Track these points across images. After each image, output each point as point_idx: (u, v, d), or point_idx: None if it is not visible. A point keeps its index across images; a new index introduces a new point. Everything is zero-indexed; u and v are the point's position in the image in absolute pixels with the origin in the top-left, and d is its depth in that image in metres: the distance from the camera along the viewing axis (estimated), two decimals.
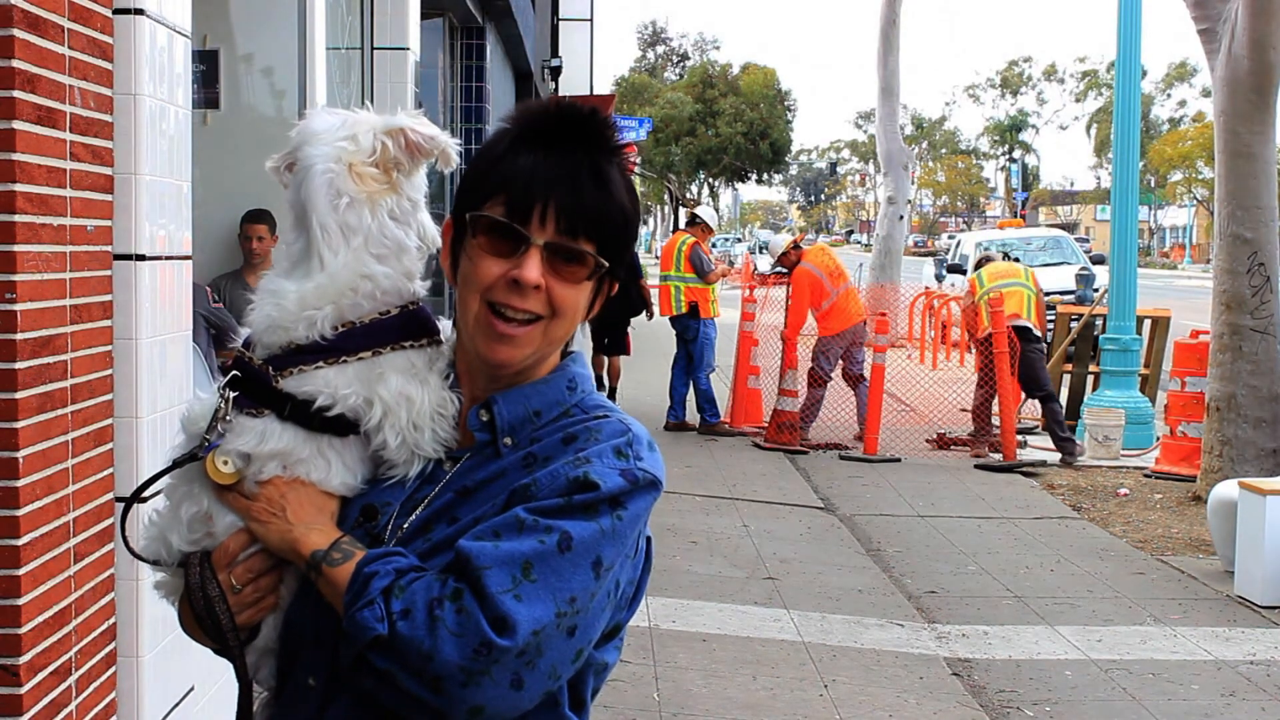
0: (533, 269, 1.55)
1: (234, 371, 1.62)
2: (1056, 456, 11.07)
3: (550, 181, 1.56)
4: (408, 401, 1.60)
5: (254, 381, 1.61)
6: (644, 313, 13.06)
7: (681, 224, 22.89)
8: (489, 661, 1.43)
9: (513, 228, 1.56)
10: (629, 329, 13.28)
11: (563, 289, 1.58)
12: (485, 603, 1.44)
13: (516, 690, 1.46)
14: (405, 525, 1.59)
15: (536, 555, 1.47)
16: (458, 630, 1.44)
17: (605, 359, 13.19)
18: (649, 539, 1.66)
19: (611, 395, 12.81)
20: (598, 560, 1.50)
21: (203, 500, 1.62)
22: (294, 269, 1.63)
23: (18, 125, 2.70)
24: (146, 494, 1.68)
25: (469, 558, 1.47)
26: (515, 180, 1.57)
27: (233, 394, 1.61)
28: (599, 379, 12.82)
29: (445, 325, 1.70)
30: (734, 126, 50.04)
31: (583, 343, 14.83)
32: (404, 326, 1.64)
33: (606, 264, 1.60)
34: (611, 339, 13.01)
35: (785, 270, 12.02)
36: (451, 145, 1.66)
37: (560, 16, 22.01)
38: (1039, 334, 11.57)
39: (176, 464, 1.63)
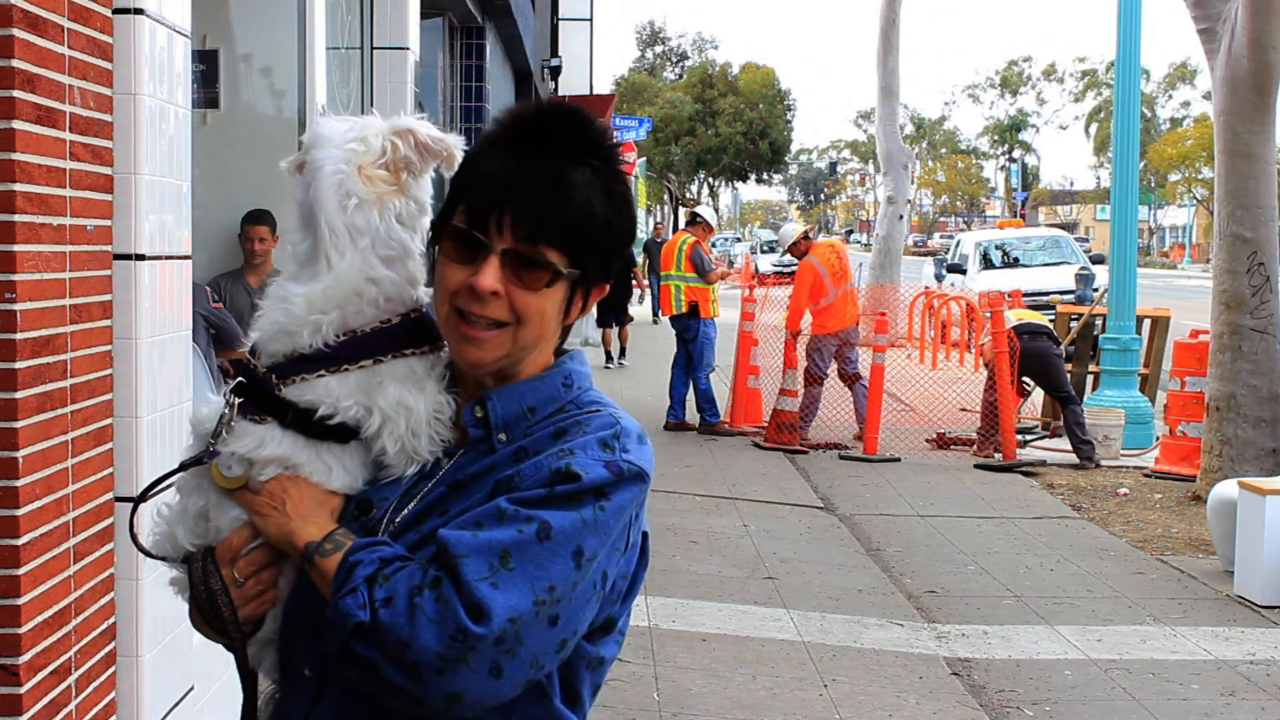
0: (488, 277, 1.56)
1: (239, 378, 1.64)
2: (1057, 456, 11.08)
3: (507, 188, 1.56)
4: (406, 410, 1.61)
5: (258, 389, 1.63)
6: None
7: (681, 224, 23.12)
8: (465, 648, 1.45)
9: (472, 235, 1.57)
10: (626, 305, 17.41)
11: (524, 296, 1.58)
12: (462, 590, 1.46)
13: (495, 678, 1.47)
14: (399, 518, 1.61)
15: (515, 544, 1.49)
16: (435, 617, 1.45)
17: (613, 332, 17.10)
18: (645, 534, 1.67)
19: (621, 354, 17.43)
20: (579, 550, 1.51)
21: (209, 495, 1.65)
22: (300, 271, 1.64)
23: (18, 125, 2.70)
24: (152, 494, 1.70)
25: (447, 546, 1.49)
26: (477, 187, 1.58)
27: (237, 400, 1.63)
28: (608, 353, 17.21)
29: None
30: (733, 126, 50.01)
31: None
32: (406, 334, 1.65)
33: (576, 271, 1.60)
34: (615, 317, 17.00)
35: (793, 259, 12.09)
36: (458, 147, 1.67)
37: (560, 16, 22.00)
38: (1058, 337, 11.61)
39: (183, 466, 1.66)
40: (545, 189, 1.56)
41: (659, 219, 37.97)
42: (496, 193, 1.56)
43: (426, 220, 1.68)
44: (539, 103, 1.65)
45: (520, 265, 1.57)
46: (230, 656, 1.66)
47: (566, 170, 1.58)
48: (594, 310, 16.39)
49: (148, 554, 1.70)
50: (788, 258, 13.55)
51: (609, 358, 17.18)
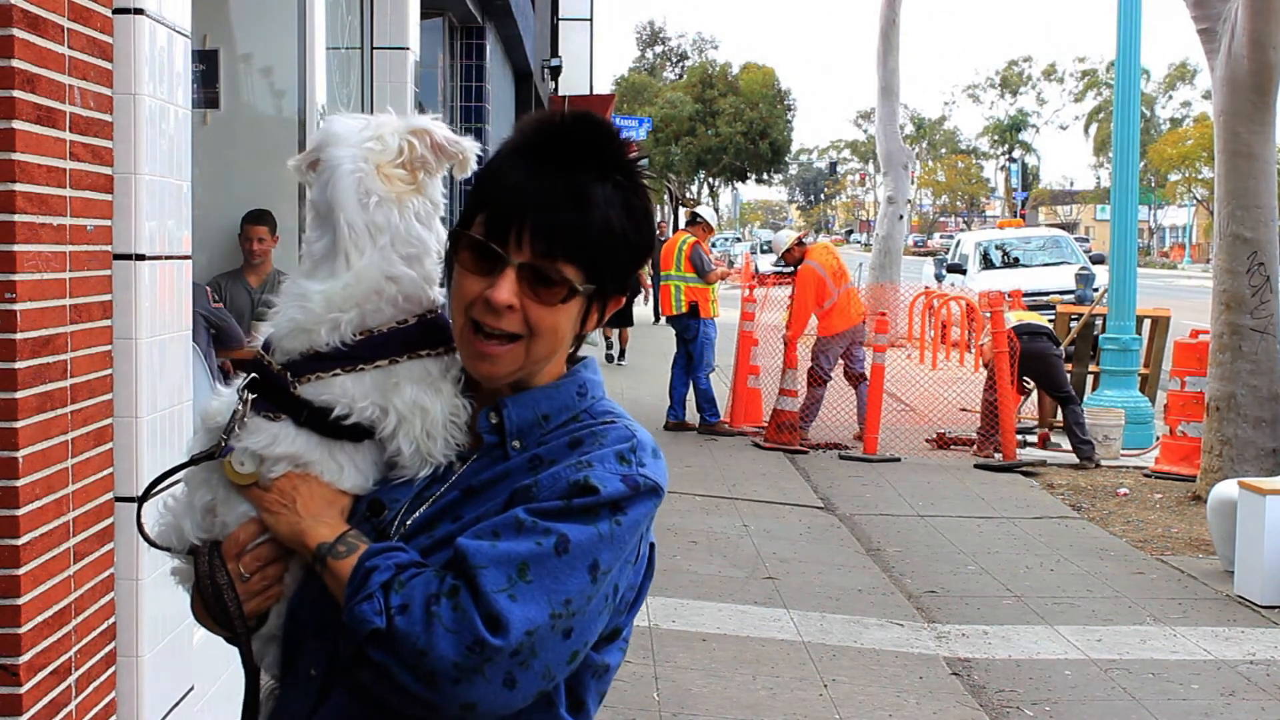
0: (504, 290, 1.56)
1: (253, 374, 1.64)
2: (1057, 456, 11.08)
3: (528, 202, 1.56)
4: (422, 411, 1.61)
5: (272, 386, 1.63)
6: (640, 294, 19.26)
7: (681, 224, 23.23)
8: (482, 659, 1.45)
9: (489, 247, 1.57)
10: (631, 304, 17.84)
11: (539, 310, 1.58)
12: (480, 601, 1.46)
13: (509, 689, 1.47)
14: (410, 521, 1.61)
15: (533, 557, 1.49)
16: (453, 627, 1.45)
17: (615, 330, 17.67)
18: (652, 545, 1.67)
19: (621, 356, 17.85)
20: (595, 564, 1.51)
21: (217, 490, 1.65)
22: (317, 269, 1.64)
23: (18, 125, 2.70)
24: (161, 487, 1.71)
25: (465, 556, 1.49)
26: (497, 199, 1.58)
27: (251, 396, 1.63)
28: (609, 340, 17.96)
29: None
30: (734, 126, 49.95)
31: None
32: (422, 335, 1.65)
33: (592, 286, 1.59)
34: (620, 315, 16.41)
35: (789, 267, 12.05)
36: (472, 150, 1.68)
37: (560, 16, 22.01)
38: (1058, 338, 11.61)
39: (195, 460, 1.66)
40: (565, 205, 1.56)
41: (661, 218, 38.04)
42: (517, 206, 1.56)
43: (438, 221, 1.69)
44: (563, 114, 1.63)
45: (536, 280, 1.57)
46: (232, 654, 1.67)
47: (588, 186, 1.57)
48: None
49: (153, 544, 1.71)
50: None
51: (610, 346, 17.94)
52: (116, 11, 3.18)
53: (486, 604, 1.46)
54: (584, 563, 1.50)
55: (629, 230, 1.61)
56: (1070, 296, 15.94)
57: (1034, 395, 12.19)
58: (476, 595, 1.46)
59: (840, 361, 11.65)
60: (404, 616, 1.47)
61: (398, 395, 1.61)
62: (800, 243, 11.99)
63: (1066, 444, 11.02)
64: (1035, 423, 12.32)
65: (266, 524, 1.62)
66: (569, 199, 1.56)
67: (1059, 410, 11.31)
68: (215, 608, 1.63)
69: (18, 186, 2.71)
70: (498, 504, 1.57)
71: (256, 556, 1.63)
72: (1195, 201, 63.92)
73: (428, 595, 1.48)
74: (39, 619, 2.83)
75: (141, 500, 1.72)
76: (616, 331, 17.92)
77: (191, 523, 1.67)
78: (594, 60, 25.87)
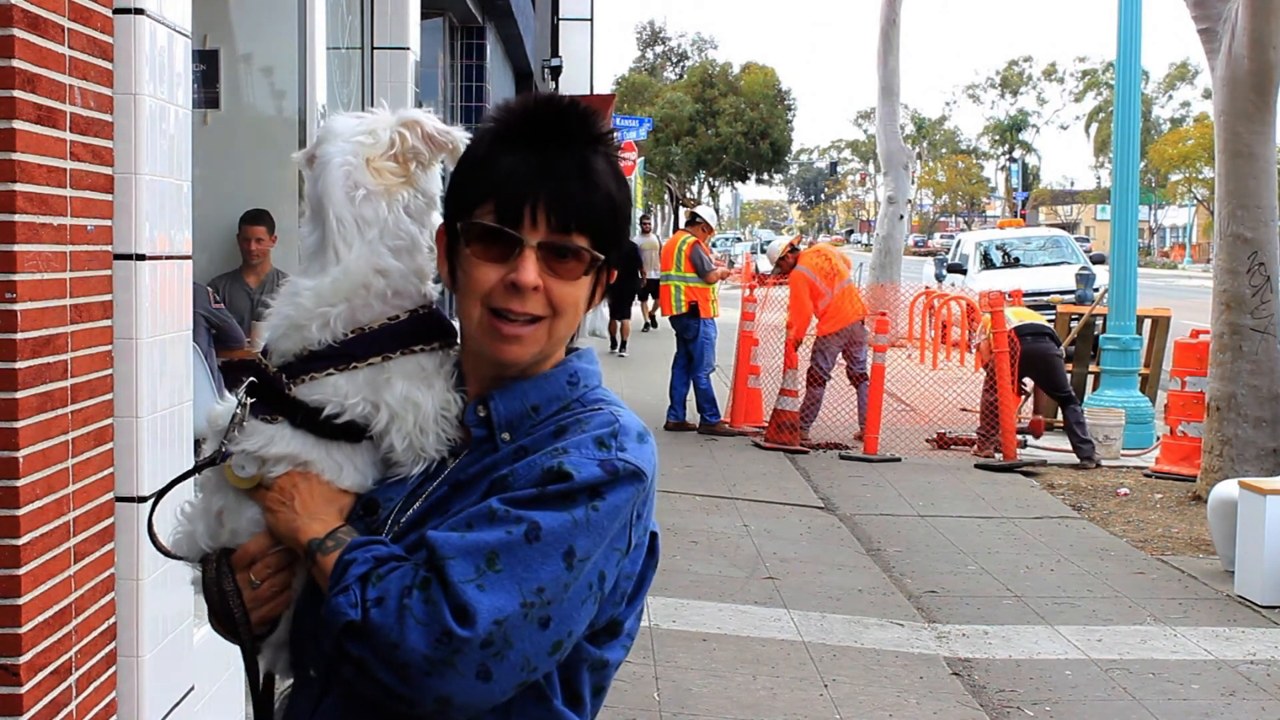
0: (529, 271, 1.56)
1: (251, 379, 1.65)
2: (1057, 456, 11.08)
3: (537, 180, 1.56)
4: (414, 406, 1.61)
5: (269, 388, 1.63)
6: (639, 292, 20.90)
7: (682, 224, 23.40)
8: (451, 651, 1.44)
9: (505, 232, 1.57)
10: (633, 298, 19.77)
11: (561, 287, 1.58)
12: (449, 592, 1.45)
13: (484, 681, 1.46)
14: (404, 519, 1.61)
15: (502, 545, 1.47)
16: (424, 619, 1.45)
17: (618, 322, 19.00)
18: (655, 534, 1.66)
19: (623, 346, 18.93)
20: (570, 551, 1.49)
21: (228, 495, 1.66)
22: (309, 266, 1.65)
23: (18, 125, 2.70)
24: (165, 495, 1.72)
25: (435, 547, 1.49)
26: (502, 183, 1.58)
27: (249, 400, 1.63)
28: (613, 339, 19.14)
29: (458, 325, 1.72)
30: (734, 126, 49.97)
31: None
32: (414, 331, 1.65)
33: (602, 256, 1.61)
34: (620, 309, 18.71)
35: (784, 273, 12.09)
36: (463, 140, 1.67)
37: (560, 16, 22.00)
38: (1059, 338, 11.62)
39: (197, 468, 1.67)
40: (572, 179, 1.57)
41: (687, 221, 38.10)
42: (526, 187, 1.56)
43: (435, 215, 1.68)
44: (542, 96, 1.65)
45: (554, 256, 1.57)
46: (233, 653, 1.67)
47: (588, 159, 1.59)
48: (605, 305, 18.42)
49: (167, 553, 1.71)
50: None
51: (614, 344, 19.00)
52: (117, 11, 3.17)
53: (455, 595, 1.45)
54: (558, 550, 1.48)
55: (622, 199, 1.64)
56: (1070, 296, 15.93)
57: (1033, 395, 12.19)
58: (445, 586, 1.45)
59: (841, 361, 11.66)
60: (379, 609, 1.46)
61: (389, 391, 1.61)
62: (793, 249, 12.03)
63: (1067, 443, 11.02)
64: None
65: (268, 523, 1.62)
66: (574, 173, 1.57)
67: (1059, 410, 11.31)
68: (221, 614, 1.64)
69: (18, 186, 2.71)
70: (480, 495, 1.56)
71: (267, 564, 1.63)
72: (1195, 201, 63.90)
73: (402, 588, 1.47)
74: (39, 619, 2.83)
75: (151, 512, 1.72)
76: (619, 325, 19.05)
77: (205, 527, 1.67)
78: (594, 60, 25.86)
